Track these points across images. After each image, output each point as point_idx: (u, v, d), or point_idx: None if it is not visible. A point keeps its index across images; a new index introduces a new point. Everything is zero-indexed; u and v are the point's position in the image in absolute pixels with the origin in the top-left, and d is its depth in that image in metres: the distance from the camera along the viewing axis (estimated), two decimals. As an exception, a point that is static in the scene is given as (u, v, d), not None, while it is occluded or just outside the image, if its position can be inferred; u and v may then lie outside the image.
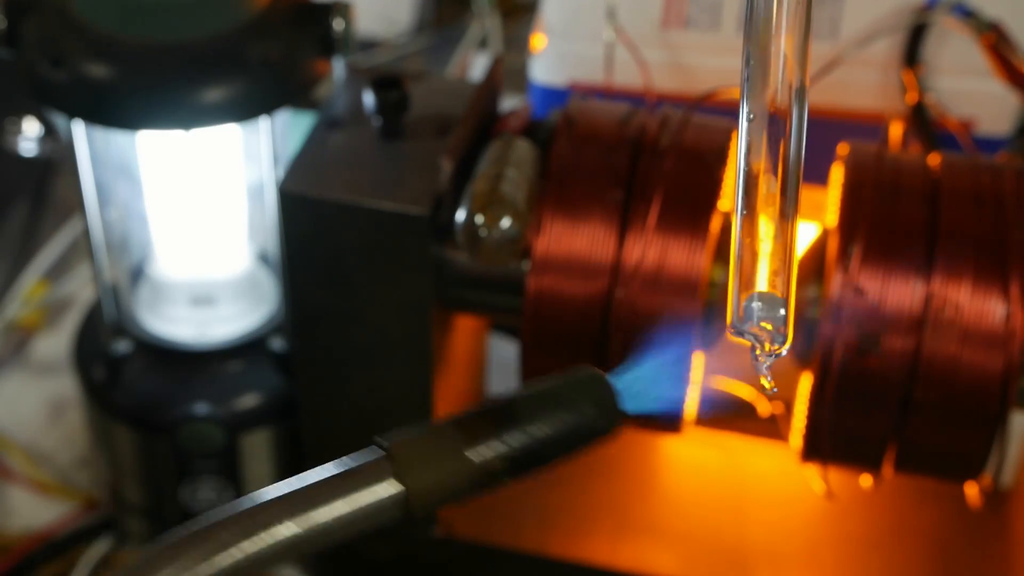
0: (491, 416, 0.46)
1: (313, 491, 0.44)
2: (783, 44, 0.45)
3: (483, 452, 0.45)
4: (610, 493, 0.81)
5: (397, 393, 0.72)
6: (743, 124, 0.45)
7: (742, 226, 0.45)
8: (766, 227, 0.45)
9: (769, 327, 0.45)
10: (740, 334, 0.45)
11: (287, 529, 0.43)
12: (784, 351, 0.45)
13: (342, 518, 0.43)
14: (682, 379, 0.50)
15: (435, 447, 0.45)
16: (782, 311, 0.45)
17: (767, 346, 0.45)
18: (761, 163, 0.45)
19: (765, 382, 0.46)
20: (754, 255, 0.45)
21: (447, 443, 0.45)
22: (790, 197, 0.45)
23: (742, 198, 0.45)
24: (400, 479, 0.44)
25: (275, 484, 0.44)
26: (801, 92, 0.45)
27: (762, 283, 0.45)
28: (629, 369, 0.48)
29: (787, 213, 0.45)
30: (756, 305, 0.45)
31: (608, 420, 0.47)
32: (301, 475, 0.44)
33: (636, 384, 0.48)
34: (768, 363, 0.45)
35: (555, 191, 0.67)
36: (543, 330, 0.67)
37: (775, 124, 0.45)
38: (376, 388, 0.72)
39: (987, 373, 0.63)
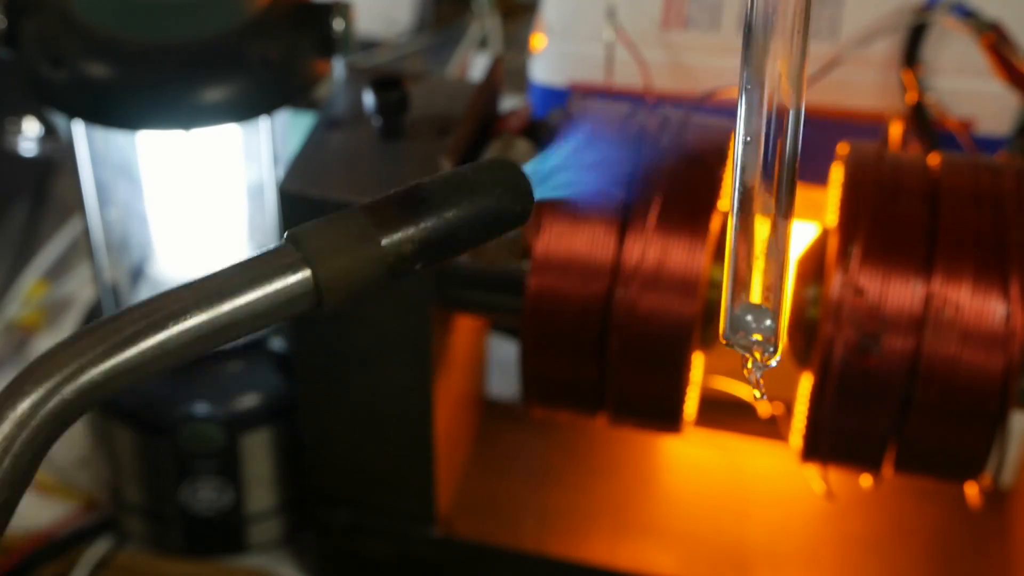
0: (402, 201, 0.44)
1: (221, 282, 0.42)
2: (778, 67, 0.45)
3: (394, 237, 0.44)
4: (610, 493, 0.81)
5: (397, 393, 0.72)
6: (739, 145, 0.46)
7: (737, 239, 0.46)
8: (760, 242, 0.45)
9: (759, 338, 0.45)
10: (732, 344, 0.46)
11: (196, 319, 0.41)
12: (774, 362, 0.45)
13: (251, 307, 0.42)
14: (590, 167, 0.50)
15: (344, 233, 0.43)
16: (772, 322, 0.45)
17: (757, 356, 0.45)
18: (756, 181, 0.45)
19: (756, 392, 0.46)
20: (748, 267, 0.45)
21: (357, 229, 0.43)
22: (785, 214, 0.46)
23: (738, 213, 0.46)
24: (310, 266, 0.43)
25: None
26: (797, 114, 0.45)
27: (755, 295, 0.45)
28: (542, 159, 0.47)
29: (781, 229, 0.45)
30: (747, 316, 0.45)
31: (520, 204, 0.46)
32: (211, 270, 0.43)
33: (547, 172, 0.47)
34: (759, 373, 0.46)
35: (555, 191, 0.67)
36: (543, 330, 0.67)
37: (770, 143, 0.45)
38: (376, 388, 0.72)
39: (987, 373, 0.63)
